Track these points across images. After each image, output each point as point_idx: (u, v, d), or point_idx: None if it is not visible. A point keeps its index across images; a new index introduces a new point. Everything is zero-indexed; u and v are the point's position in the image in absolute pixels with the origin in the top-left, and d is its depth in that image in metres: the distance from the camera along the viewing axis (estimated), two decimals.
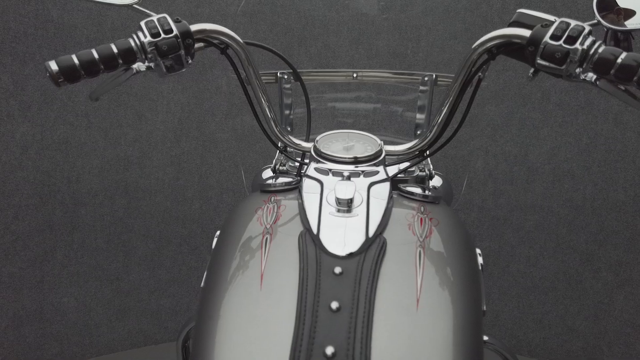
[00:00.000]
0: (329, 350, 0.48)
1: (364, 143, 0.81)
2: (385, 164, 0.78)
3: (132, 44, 0.66)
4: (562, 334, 1.75)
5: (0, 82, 1.42)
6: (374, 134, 0.84)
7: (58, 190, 1.58)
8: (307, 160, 0.83)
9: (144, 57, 0.67)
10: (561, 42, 0.60)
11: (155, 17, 0.68)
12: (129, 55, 0.66)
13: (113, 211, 1.66)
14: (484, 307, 0.63)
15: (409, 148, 0.82)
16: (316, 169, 0.74)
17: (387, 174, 0.74)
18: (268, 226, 0.65)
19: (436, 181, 0.92)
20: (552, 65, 0.62)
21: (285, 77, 0.94)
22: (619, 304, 1.66)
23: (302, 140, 0.86)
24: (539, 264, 1.72)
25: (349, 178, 0.71)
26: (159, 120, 1.62)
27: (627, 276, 1.62)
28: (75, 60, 0.64)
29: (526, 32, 0.64)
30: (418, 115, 0.97)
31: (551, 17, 0.64)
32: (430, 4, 1.53)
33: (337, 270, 0.55)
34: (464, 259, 0.63)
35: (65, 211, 1.60)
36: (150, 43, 0.66)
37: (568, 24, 0.61)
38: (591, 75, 0.63)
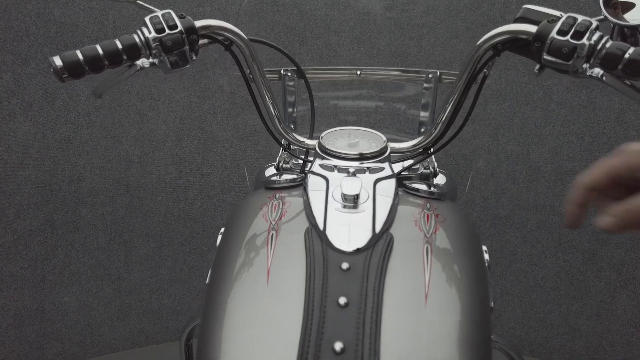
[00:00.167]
0: (338, 345, 0.48)
1: (368, 140, 0.80)
2: (390, 160, 0.78)
3: (137, 39, 0.66)
4: (565, 334, 1.75)
5: (1, 81, 1.42)
6: (379, 131, 0.84)
7: (59, 190, 1.57)
8: (310, 158, 0.83)
9: (148, 53, 0.67)
10: (568, 37, 0.60)
11: (159, 13, 0.68)
12: (133, 51, 0.66)
13: (114, 210, 1.66)
14: (492, 304, 0.63)
15: (414, 145, 0.82)
16: (321, 166, 0.74)
17: (392, 171, 0.74)
18: (273, 222, 0.64)
19: (440, 179, 0.91)
20: (558, 60, 0.61)
21: (289, 74, 0.94)
22: (622, 304, 1.65)
23: (305, 137, 0.86)
24: (541, 263, 1.71)
25: (354, 174, 0.70)
26: (160, 119, 1.62)
27: (630, 275, 1.62)
28: (80, 56, 0.64)
29: (532, 28, 0.64)
30: (422, 113, 0.96)
31: (557, 13, 0.63)
32: (432, 3, 1.52)
33: (345, 265, 0.55)
34: (471, 255, 0.62)
35: (66, 210, 1.60)
36: (154, 39, 0.66)
37: (575, 19, 0.60)
38: (597, 71, 0.63)
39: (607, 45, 0.59)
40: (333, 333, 0.49)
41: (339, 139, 0.80)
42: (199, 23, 0.69)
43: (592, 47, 0.59)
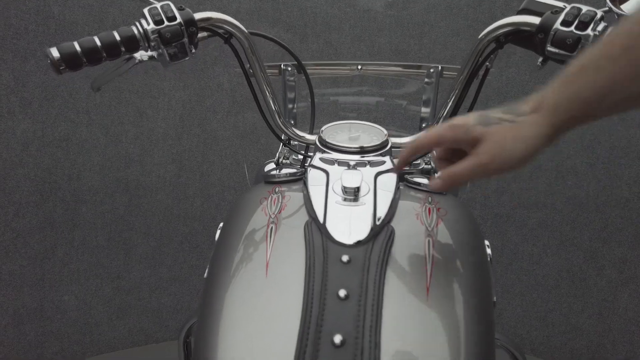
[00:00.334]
0: (337, 338, 0.47)
1: (369, 133, 0.80)
2: (391, 154, 0.77)
3: (135, 31, 0.65)
4: (566, 332, 1.74)
5: (1, 78, 1.41)
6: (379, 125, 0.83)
7: (59, 188, 1.57)
8: (310, 153, 0.83)
9: (147, 45, 0.67)
10: (572, 28, 0.59)
11: (158, 5, 0.67)
12: (131, 43, 0.65)
13: (114, 209, 1.65)
14: (494, 298, 0.62)
15: (415, 140, 0.81)
16: (321, 159, 0.73)
17: (393, 164, 0.73)
18: (273, 216, 0.64)
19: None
20: (562, 52, 0.61)
21: (289, 69, 0.93)
22: (623, 302, 1.64)
23: (305, 132, 0.85)
24: (542, 262, 1.71)
25: (355, 167, 0.70)
26: (160, 117, 1.62)
27: (632, 273, 1.61)
28: (77, 47, 0.63)
29: (535, 19, 0.63)
30: (423, 109, 0.96)
31: (561, 4, 0.63)
32: (433, 1, 1.52)
33: (345, 258, 0.54)
34: (473, 249, 0.62)
35: (66, 209, 1.59)
36: (153, 30, 0.65)
37: (579, 10, 0.60)
38: None
39: None
40: (332, 326, 0.48)
41: (339, 132, 0.80)
42: (198, 15, 0.69)
43: (597, 38, 0.59)
